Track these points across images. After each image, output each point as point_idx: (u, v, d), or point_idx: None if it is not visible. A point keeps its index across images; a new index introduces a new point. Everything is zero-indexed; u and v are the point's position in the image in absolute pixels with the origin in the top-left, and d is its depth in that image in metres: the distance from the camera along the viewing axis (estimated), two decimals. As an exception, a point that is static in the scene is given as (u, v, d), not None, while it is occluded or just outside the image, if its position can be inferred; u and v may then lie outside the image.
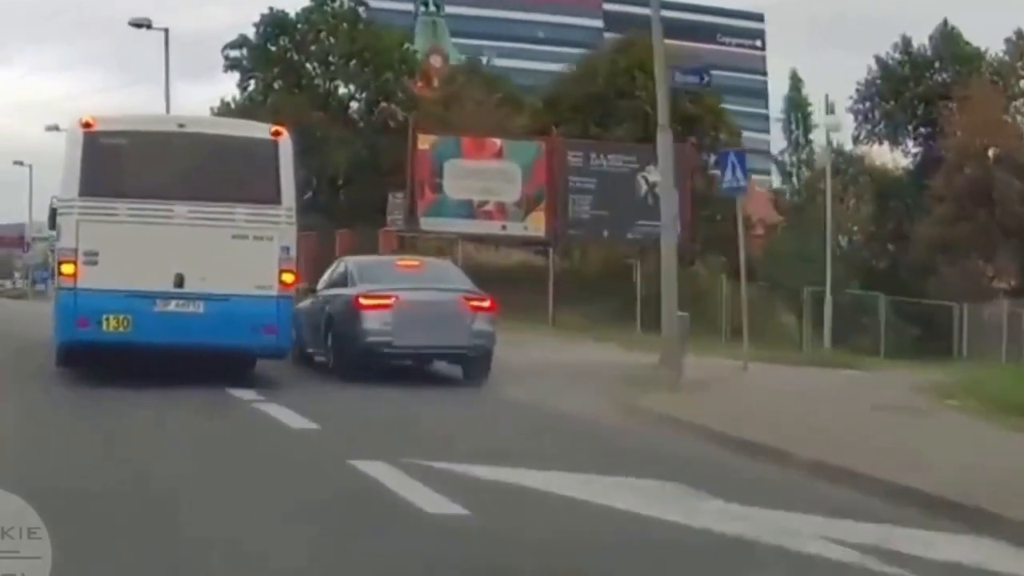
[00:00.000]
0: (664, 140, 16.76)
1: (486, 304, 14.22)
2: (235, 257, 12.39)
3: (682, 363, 15.22)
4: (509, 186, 34.48)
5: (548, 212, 34.88)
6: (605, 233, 35.01)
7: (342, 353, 14.11)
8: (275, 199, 12.54)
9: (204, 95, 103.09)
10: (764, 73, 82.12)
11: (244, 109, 46.44)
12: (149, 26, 36.39)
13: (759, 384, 14.84)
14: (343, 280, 15.14)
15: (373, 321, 13.75)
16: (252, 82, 47.10)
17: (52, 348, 13.55)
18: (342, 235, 35.54)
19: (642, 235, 34.76)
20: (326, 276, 16.17)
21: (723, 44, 72.80)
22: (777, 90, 79.57)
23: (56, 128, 44.70)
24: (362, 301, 13.98)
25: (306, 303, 15.38)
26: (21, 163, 56.67)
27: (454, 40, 64.70)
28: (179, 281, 12.32)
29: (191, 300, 12.36)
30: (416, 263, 16.11)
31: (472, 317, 13.98)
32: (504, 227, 34.77)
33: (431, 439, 9.23)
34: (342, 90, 47.33)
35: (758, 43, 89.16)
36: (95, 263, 12.18)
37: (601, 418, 11.15)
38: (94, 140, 12.34)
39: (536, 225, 34.83)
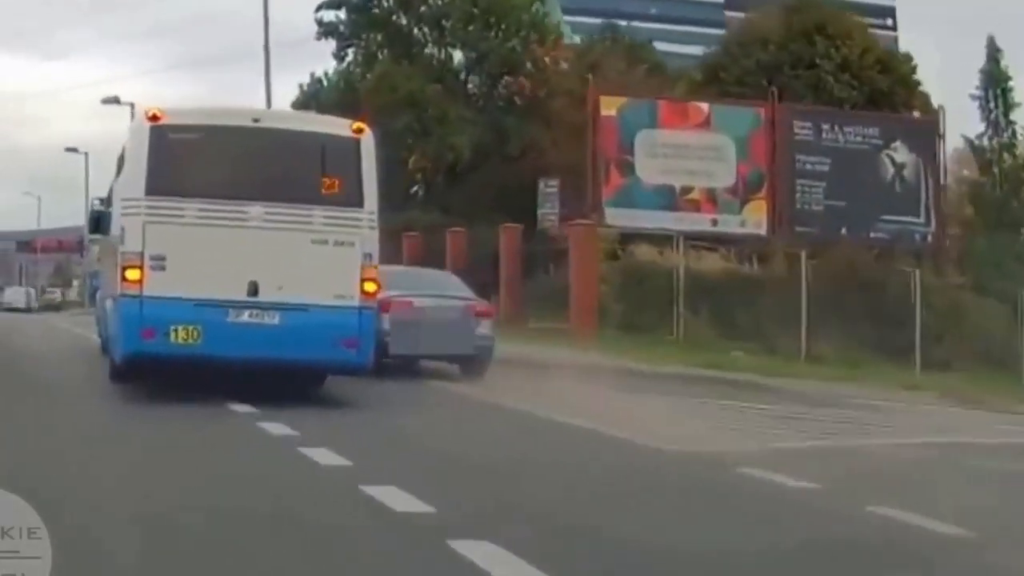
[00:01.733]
0: None
1: (486, 309, 20.14)
2: (314, 264, 14.02)
3: None
4: (720, 166, 32.49)
5: (769, 202, 32.67)
6: (843, 231, 32.56)
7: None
8: (357, 201, 14.18)
9: (293, 70, 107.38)
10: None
11: (342, 82, 48.60)
12: None
13: None
14: None
15: (385, 323, 18.16)
16: (351, 51, 49.02)
17: (107, 361, 15.27)
18: (508, 231, 35.26)
19: (888, 233, 33.23)
20: None
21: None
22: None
23: (116, 101, 47.24)
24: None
25: None
26: (75, 150, 59.49)
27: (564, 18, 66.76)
28: (253, 289, 13.94)
29: (266, 310, 13.98)
30: (421, 271, 21.93)
31: (476, 322, 19.39)
32: (715, 222, 32.56)
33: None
34: (457, 58, 48.96)
35: (889, 21, 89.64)
36: (163, 268, 13.83)
37: None
38: (162, 135, 14.04)
39: (755, 218, 32.69)
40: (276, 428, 11.72)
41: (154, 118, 14.12)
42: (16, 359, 21.31)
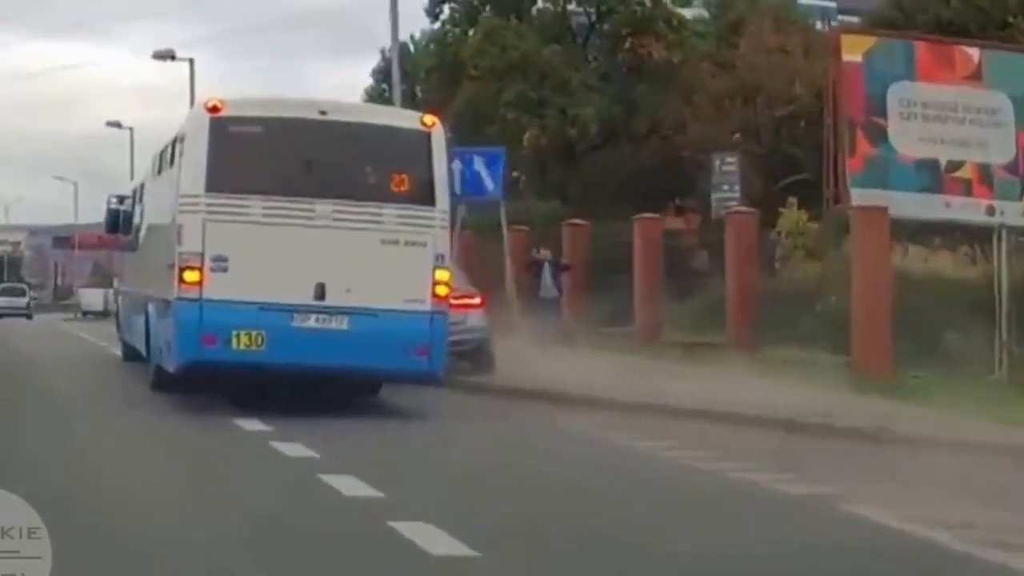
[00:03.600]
0: None
1: (476, 302, 23.46)
2: (384, 266, 16.58)
3: None
4: (996, 134, 28.83)
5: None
6: None
7: None
8: (429, 199, 16.77)
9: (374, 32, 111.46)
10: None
11: (433, 45, 50.72)
12: None
13: None
14: None
15: None
16: (445, 7, 51.25)
17: (123, 369, 17.72)
18: (739, 220, 31.38)
19: None
20: None
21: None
22: None
23: (171, 57, 49.68)
24: None
25: None
26: (118, 125, 62.89)
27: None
28: (320, 292, 16.50)
29: (334, 315, 16.56)
30: None
31: (464, 316, 22.09)
32: (992, 209, 28.64)
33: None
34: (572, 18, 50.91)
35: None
36: (224, 270, 16.39)
37: None
38: (222, 127, 16.65)
39: None
40: (346, 485, 11.32)
41: (214, 109, 16.74)
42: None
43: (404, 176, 16.91)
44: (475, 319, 23.23)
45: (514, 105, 48.63)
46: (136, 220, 23.43)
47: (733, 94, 46.33)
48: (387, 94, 54.40)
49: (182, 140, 17.62)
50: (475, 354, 22.66)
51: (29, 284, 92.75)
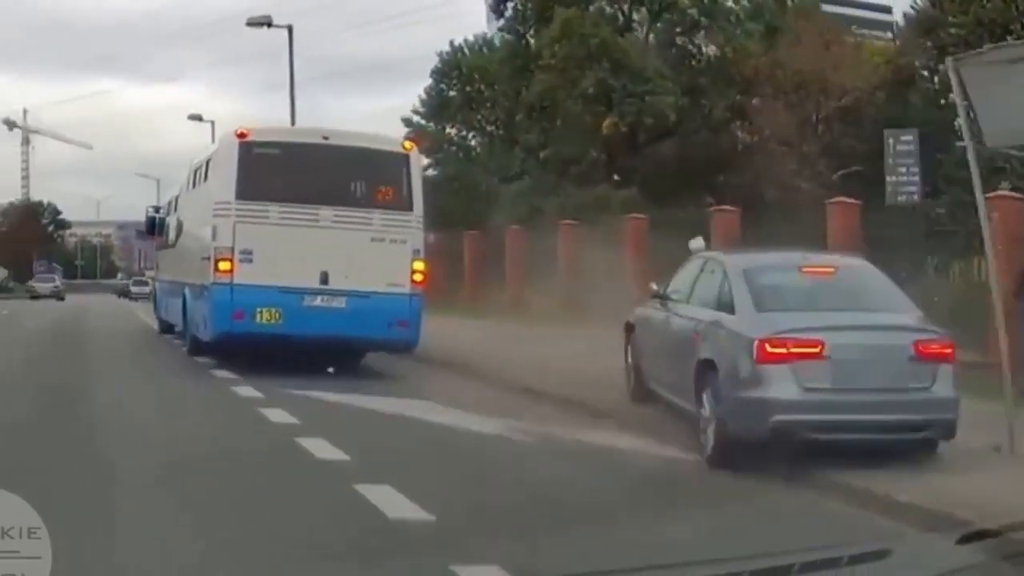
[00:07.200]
0: None
1: (947, 351, 13.93)
2: (373, 258, 22.59)
3: None
4: None
5: None
6: None
7: (726, 431, 13.99)
8: (408, 206, 22.91)
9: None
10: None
11: (506, 49, 55.77)
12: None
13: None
14: (720, 298, 15.34)
15: (785, 387, 13.54)
16: (510, 6, 56.62)
17: (163, 340, 24.31)
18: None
19: None
20: (682, 280, 17.26)
21: None
22: None
23: (268, 24, 54.22)
24: (769, 350, 13.65)
25: (653, 316, 17.83)
26: (200, 118, 68.71)
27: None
28: (324, 278, 22.53)
29: (335, 296, 22.59)
30: (830, 268, 15.84)
31: (933, 370, 13.83)
32: None
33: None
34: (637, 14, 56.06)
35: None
36: (250, 261, 22.45)
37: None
38: (248, 149, 22.81)
39: None
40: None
41: (242, 135, 22.99)
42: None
43: (388, 189, 23.12)
44: (945, 382, 13.76)
45: (590, 95, 52.92)
46: (171, 224, 30.38)
47: (794, 87, 50.96)
48: (445, 93, 61.00)
49: (216, 159, 24.00)
50: (928, 444, 13.84)
51: (120, 268, 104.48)
